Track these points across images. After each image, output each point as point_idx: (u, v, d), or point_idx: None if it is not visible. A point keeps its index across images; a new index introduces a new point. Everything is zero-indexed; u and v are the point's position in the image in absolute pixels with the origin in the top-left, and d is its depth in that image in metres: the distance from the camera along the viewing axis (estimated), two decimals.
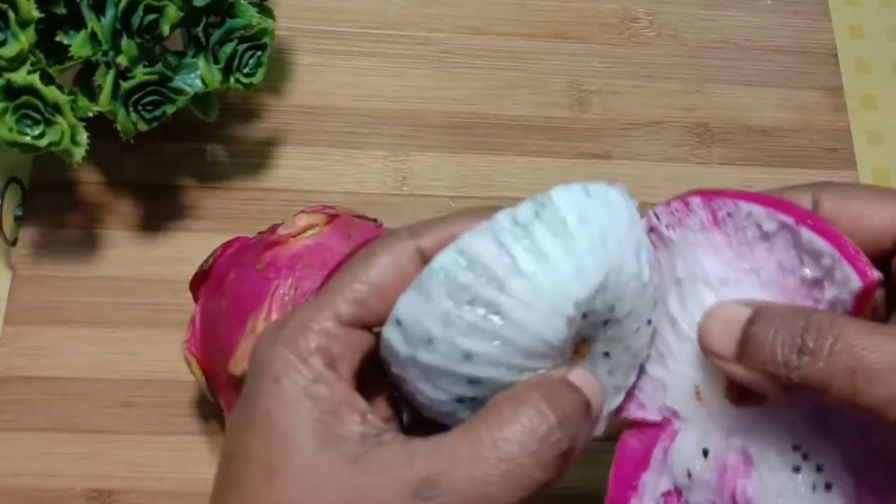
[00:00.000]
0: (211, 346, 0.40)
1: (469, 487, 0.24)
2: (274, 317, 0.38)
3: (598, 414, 0.27)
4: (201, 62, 0.44)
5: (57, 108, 0.41)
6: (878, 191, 0.30)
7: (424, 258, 0.28)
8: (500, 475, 0.24)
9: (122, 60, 0.42)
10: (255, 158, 0.51)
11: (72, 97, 0.41)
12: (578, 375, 0.27)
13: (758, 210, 0.29)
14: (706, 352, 0.28)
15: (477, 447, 0.24)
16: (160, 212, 0.50)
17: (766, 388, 0.27)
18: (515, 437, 0.24)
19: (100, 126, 0.43)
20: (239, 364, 0.37)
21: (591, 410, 0.27)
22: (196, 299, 0.42)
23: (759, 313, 0.27)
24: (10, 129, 0.40)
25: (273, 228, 0.41)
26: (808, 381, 0.26)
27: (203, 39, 0.44)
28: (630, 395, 0.31)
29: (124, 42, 0.42)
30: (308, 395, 0.25)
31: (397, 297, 0.27)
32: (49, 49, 0.42)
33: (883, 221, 0.28)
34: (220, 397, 0.40)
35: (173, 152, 0.51)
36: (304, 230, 0.40)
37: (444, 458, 0.24)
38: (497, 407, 0.25)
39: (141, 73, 0.42)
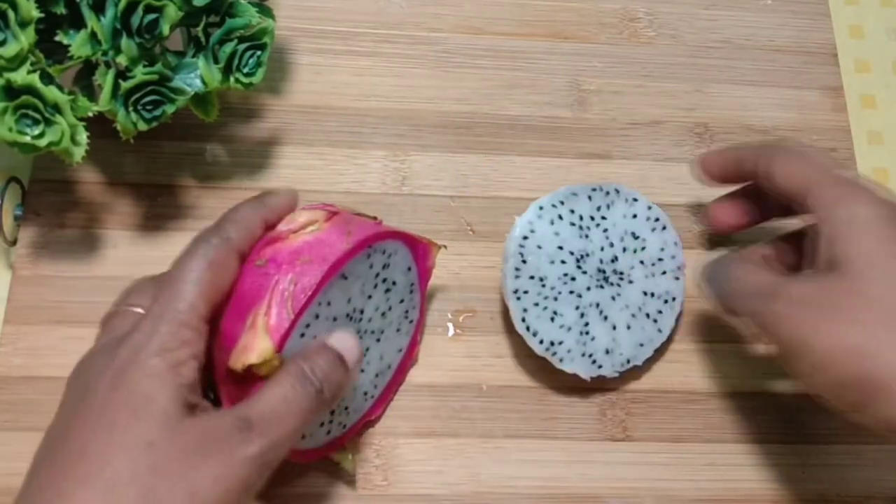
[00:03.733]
0: (211, 342, 0.40)
1: (270, 416, 0.35)
2: (274, 311, 0.38)
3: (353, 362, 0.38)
4: (201, 62, 0.44)
5: (57, 108, 0.41)
6: (808, 160, 0.43)
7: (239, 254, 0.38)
8: (286, 408, 0.35)
9: (121, 60, 0.42)
10: (255, 158, 0.51)
11: (72, 97, 0.41)
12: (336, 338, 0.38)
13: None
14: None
15: (269, 392, 0.36)
16: (160, 212, 0.50)
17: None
18: (290, 383, 0.36)
19: (100, 126, 0.43)
20: (239, 358, 0.37)
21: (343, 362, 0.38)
22: None
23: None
24: (10, 129, 0.40)
25: (273, 224, 0.41)
26: (717, 302, 0.44)
27: (203, 39, 0.44)
28: None
29: (124, 42, 0.42)
30: (175, 372, 0.35)
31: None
32: (49, 49, 0.42)
33: (798, 180, 0.42)
34: (220, 391, 0.40)
35: (173, 152, 0.51)
36: (304, 226, 0.40)
37: (253, 404, 0.35)
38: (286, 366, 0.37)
39: (141, 73, 0.42)
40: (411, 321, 0.46)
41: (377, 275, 0.42)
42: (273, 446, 0.35)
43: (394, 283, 0.44)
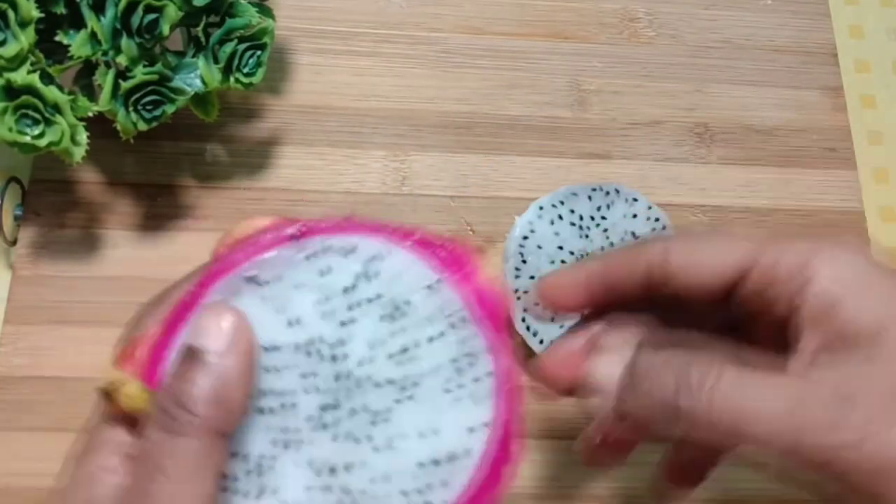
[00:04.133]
0: None
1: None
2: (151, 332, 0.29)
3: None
4: (201, 62, 0.44)
5: (57, 108, 0.40)
6: (721, 235, 0.32)
7: None
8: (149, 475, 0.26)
9: (121, 60, 0.42)
10: (255, 158, 0.51)
11: (72, 97, 0.41)
12: None
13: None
14: (591, 389, 0.32)
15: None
16: (160, 212, 0.50)
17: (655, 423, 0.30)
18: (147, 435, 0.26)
19: (100, 126, 0.43)
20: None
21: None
22: None
23: (642, 350, 0.31)
24: (10, 129, 0.40)
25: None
26: (694, 422, 0.28)
27: (203, 39, 0.44)
28: None
29: (124, 42, 0.42)
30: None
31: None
32: (49, 49, 0.42)
33: (723, 260, 0.30)
34: None
35: (173, 152, 0.51)
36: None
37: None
38: None
39: (141, 73, 0.42)
40: (477, 380, 0.29)
41: (346, 289, 0.29)
42: None
43: (406, 304, 0.29)
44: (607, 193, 0.48)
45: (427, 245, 0.30)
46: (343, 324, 0.29)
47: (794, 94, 0.56)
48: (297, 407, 0.28)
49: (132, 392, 0.27)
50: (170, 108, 0.43)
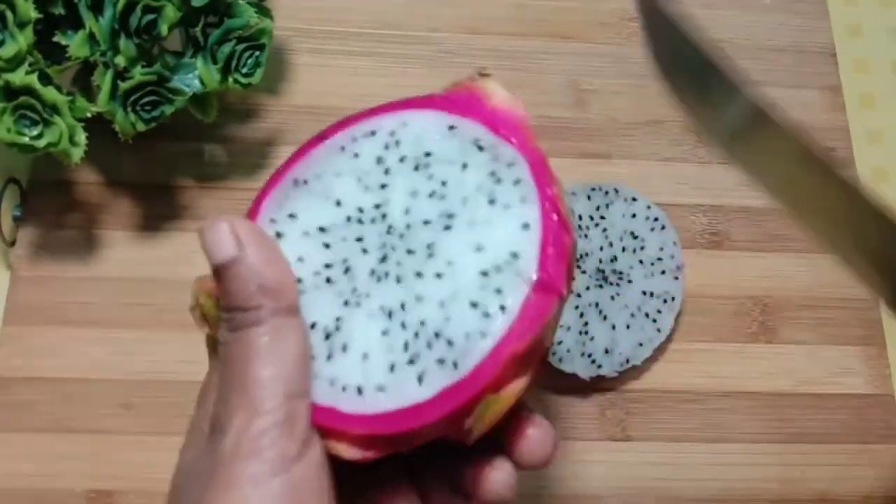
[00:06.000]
0: None
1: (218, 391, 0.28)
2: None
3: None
4: (199, 62, 0.44)
5: (55, 109, 0.41)
6: None
7: None
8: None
9: (120, 61, 0.42)
10: (255, 158, 0.51)
11: (70, 97, 0.41)
12: None
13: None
14: None
15: None
16: (160, 212, 0.50)
17: None
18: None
19: (98, 126, 0.43)
20: None
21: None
22: None
23: None
24: (9, 130, 0.40)
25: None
26: None
27: (201, 39, 0.44)
28: None
29: (122, 42, 0.42)
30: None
31: None
32: (47, 49, 0.42)
33: None
34: None
35: (172, 152, 0.51)
36: None
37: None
38: None
39: (139, 74, 0.42)
40: (518, 182, 0.31)
41: (378, 160, 0.32)
42: (241, 428, 0.26)
43: (433, 152, 0.32)
44: (606, 193, 0.48)
45: (435, 101, 0.33)
46: (383, 186, 0.32)
47: (794, 94, 0.56)
48: (358, 268, 0.31)
49: (207, 303, 0.30)
50: (168, 109, 0.43)
